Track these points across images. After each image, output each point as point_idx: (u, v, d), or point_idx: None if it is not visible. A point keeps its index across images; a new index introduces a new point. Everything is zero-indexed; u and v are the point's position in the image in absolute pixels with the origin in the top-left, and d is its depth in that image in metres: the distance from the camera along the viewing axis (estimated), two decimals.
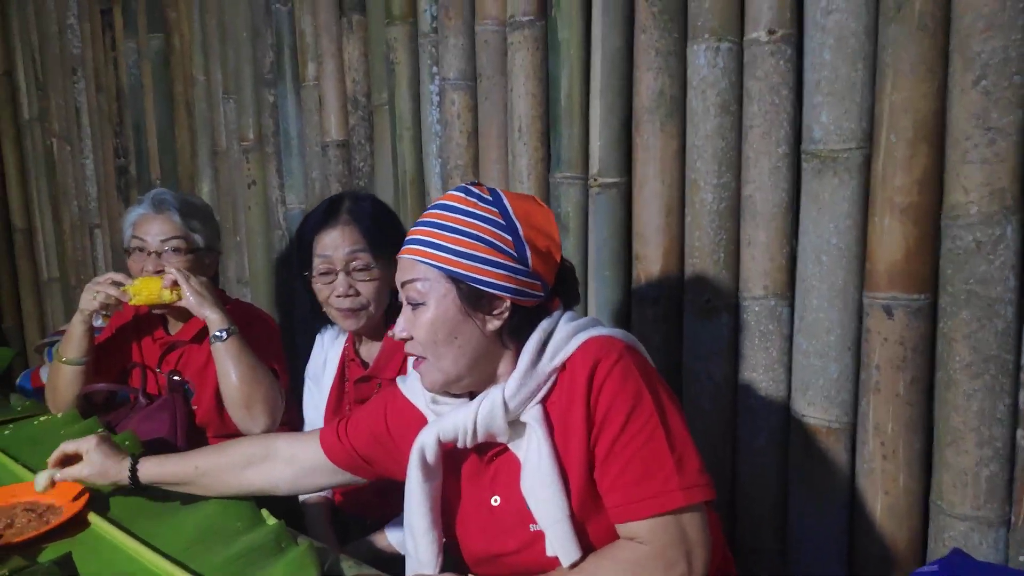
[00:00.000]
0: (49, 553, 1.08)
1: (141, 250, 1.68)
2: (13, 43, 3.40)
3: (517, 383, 1.00)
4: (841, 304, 1.35)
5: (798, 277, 1.40)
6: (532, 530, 1.01)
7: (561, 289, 1.10)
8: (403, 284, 1.03)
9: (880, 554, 1.36)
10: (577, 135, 1.65)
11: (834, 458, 1.39)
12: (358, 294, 1.46)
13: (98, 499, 1.26)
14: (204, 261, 1.73)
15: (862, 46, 1.29)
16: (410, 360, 1.11)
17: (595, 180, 1.62)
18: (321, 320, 1.59)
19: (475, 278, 0.99)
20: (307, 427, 1.65)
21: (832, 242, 1.34)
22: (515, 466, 1.02)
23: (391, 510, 1.48)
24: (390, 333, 1.19)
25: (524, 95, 1.71)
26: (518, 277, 1.00)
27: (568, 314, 1.07)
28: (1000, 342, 1.21)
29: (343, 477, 1.21)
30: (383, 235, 1.47)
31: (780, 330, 1.42)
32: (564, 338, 1.02)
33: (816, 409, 1.38)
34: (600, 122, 1.59)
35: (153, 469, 1.24)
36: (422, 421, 1.10)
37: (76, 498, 1.25)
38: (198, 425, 1.71)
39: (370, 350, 1.54)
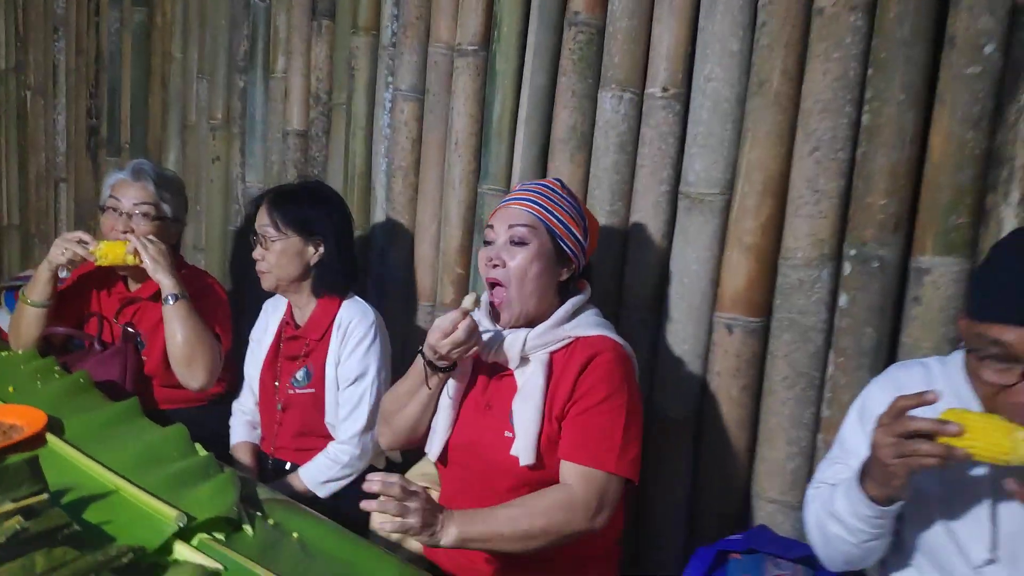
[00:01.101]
0: (13, 460, 1.30)
1: (115, 210, 1.89)
2: None
3: (541, 331, 1.34)
4: (695, 320, 1.63)
5: (668, 295, 1.68)
6: (506, 436, 1.32)
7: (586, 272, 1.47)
8: (512, 225, 1.35)
9: (711, 523, 1.66)
10: (504, 154, 1.91)
11: (681, 445, 1.67)
12: (263, 259, 1.71)
13: (54, 423, 1.47)
14: (170, 229, 1.95)
15: (732, 111, 1.57)
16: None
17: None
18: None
19: (564, 240, 1.36)
20: (246, 381, 1.88)
21: (693, 268, 1.63)
22: (511, 388, 1.35)
23: (307, 456, 1.74)
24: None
25: (463, 113, 1.96)
26: (582, 251, 1.40)
27: (596, 309, 1.43)
28: (811, 362, 1.51)
29: None
30: (297, 217, 1.71)
31: (648, 337, 1.70)
32: (589, 323, 1.37)
33: (670, 405, 1.67)
34: (523, 145, 1.86)
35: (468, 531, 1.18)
36: None
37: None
38: (146, 374, 1.93)
39: (302, 314, 1.79)
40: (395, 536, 1.43)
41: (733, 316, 1.58)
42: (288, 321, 1.80)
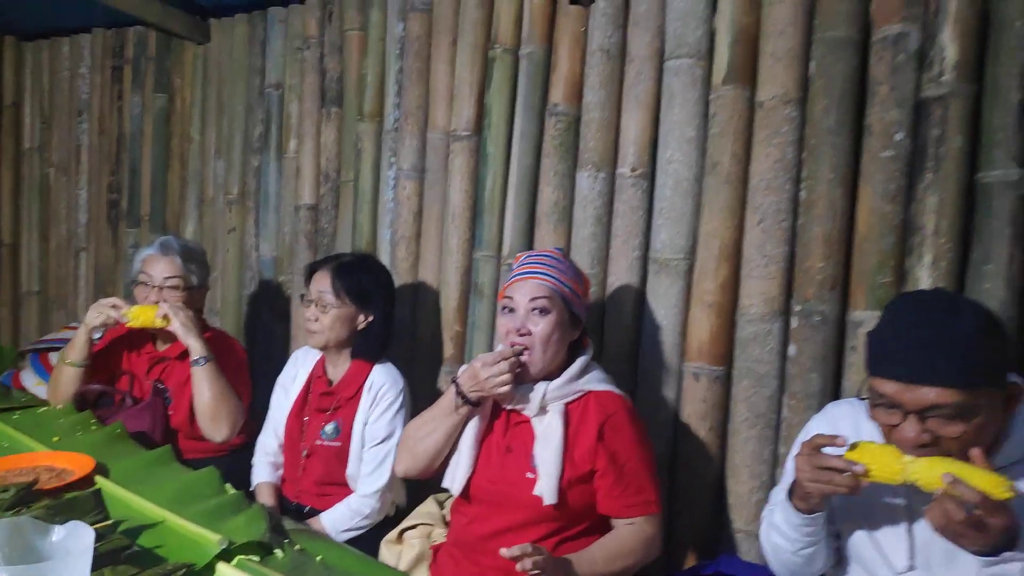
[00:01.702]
0: (78, 494, 1.48)
1: (146, 284, 2.11)
2: (24, 80, 3.80)
3: (559, 384, 1.54)
4: (667, 369, 1.85)
5: (642, 347, 1.90)
6: (527, 476, 1.52)
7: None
8: (534, 297, 1.55)
9: (684, 552, 1.84)
10: (495, 225, 2.16)
11: (661, 482, 1.86)
12: (317, 321, 1.92)
13: (100, 467, 1.66)
14: (195, 296, 2.17)
15: (691, 188, 1.83)
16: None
17: (506, 260, 2.11)
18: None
19: (574, 305, 1.58)
20: (269, 424, 2.07)
21: (663, 324, 1.85)
22: (529, 434, 1.55)
23: (326, 502, 1.91)
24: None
25: (459, 190, 2.22)
26: (585, 312, 1.62)
27: (598, 365, 1.64)
28: (767, 405, 1.73)
29: None
30: (355, 288, 1.93)
31: (625, 385, 1.91)
32: (598, 378, 1.59)
33: (656, 440, 1.87)
34: (512, 217, 2.11)
35: None
36: None
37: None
38: (172, 427, 2.12)
39: (336, 372, 1.99)
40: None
41: (699, 365, 1.80)
42: (320, 376, 2.00)
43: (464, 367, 1.60)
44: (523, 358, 1.53)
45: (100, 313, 2.06)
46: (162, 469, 1.72)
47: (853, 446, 1.14)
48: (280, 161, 2.74)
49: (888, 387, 1.12)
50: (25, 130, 3.82)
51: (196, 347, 2.00)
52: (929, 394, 1.08)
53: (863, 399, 1.21)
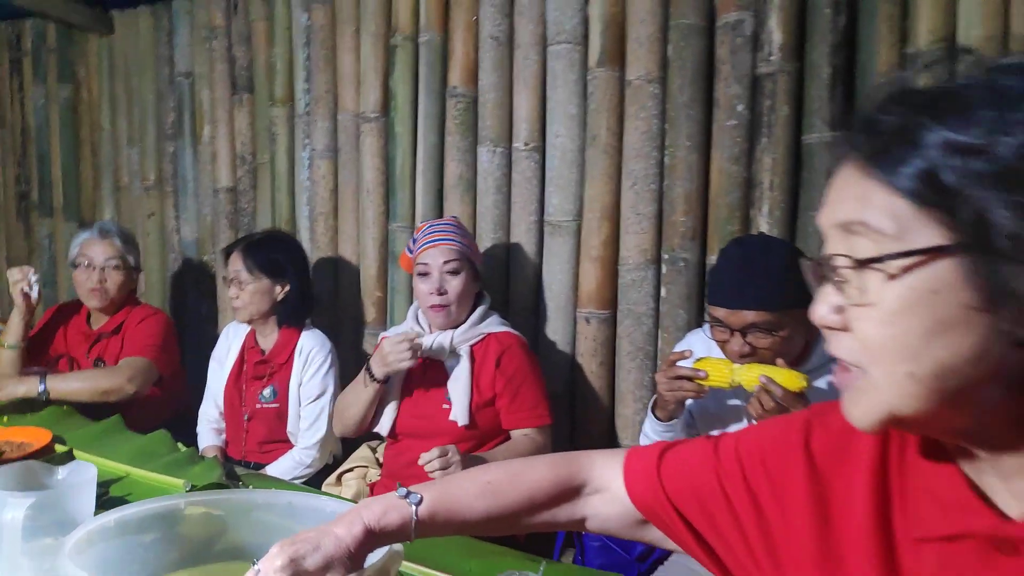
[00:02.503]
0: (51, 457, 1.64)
1: (88, 266, 2.25)
2: None
3: (464, 330, 1.85)
4: (563, 316, 2.15)
5: (542, 299, 2.19)
6: (443, 407, 1.79)
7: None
8: (446, 261, 1.81)
9: None
10: (407, 198, 2.38)
11: (560, 413, 2.17)
12: (238, 298, 2.11)
13: (56, 438, 1.82)
14: (132, 276, 2.33)
15: (575, 158, 2.11)
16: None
17: (417, 229, 2.35)
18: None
19: (475, 262, 1.87)
20: (209, 395, 2.25)
21: (558, 277, 2.14)
22: (443, 373, 1.84)
23: (270, 458, 2.12)
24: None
25: (371, 167, 2.43)
26: (480, 268, 1.92)
27: (495, 311, 1.93)
28: (645, 339, 2.05)
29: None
30: (266, 262, 2.12)
31: (529, 333, 2.19)
32: (495, 322, 1.90)
33: (549, 383, 2.16)
34: (422, 191, 2.34)
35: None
36: None
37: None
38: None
39: (267, 341, 2.18)
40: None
41: (589, 311, 2.10)
42: (253, 346, 2.19)
43: (375, 350, 1.83)
44: (417, 341, 1.77)
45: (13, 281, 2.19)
46: (115, 435, 1.89)
47: (698, 360, 1.46)
48: (195, 147, 2.86)
49: (719, 312, 1.44)
50: None
51: (21, 391, 2.07)
52: (748, 316, 1.41)
53: (706, 322, 1.53)
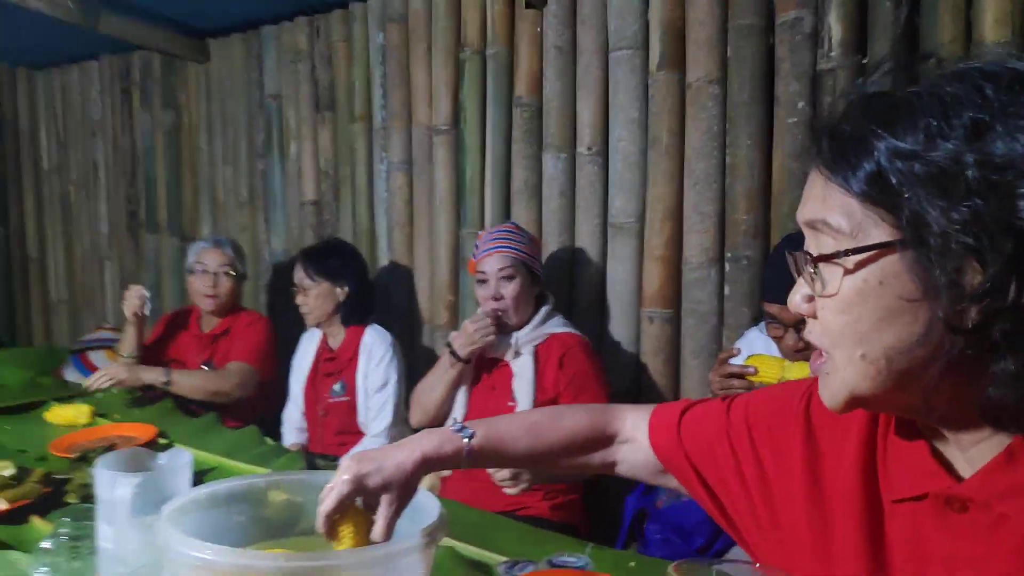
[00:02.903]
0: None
1: (203, 271, 2.50)
2: (38, 106, 4.12)
3: (528, 331, 1.95)
4: (627, 315, 2.19)
5: (607, 299, 2.24)
6: (508, 405, 1.87)
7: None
8: (500, 268, 1.92)
9: None
10: (477, 205, 2.49)
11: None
12: (304, 304, 2.27)
13: (160, 433, 2.00)
14: (239, 283, 2.59)
15: (637, 161, 2.16)
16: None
17: (479, 236, 2.44)
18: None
19: (532, 267, 1.96)
20: (290, 399, 2.42)
21: (622, 277, 2.19)
22: (508, 374, 1.92)
23: (346, 451, 2.26)
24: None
25: (443, 178, 2.55)
26: (541, 268, 2.01)
27: (559, 313, 2.02)
28: (709, 337, 2.07)
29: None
30: (324, 268, 2.29)
31: (594, 331, 2.24)
32: (558, 323, 1.99)
33: (614, 381, 2.20)
34: (490, 198, 2.44)
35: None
36: None
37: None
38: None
39: (335, 341, 2.34)
40: None
41: (653, 310, 2.14)
42: (324, 348, 2.35)
43: (455, 332, 1.95)
44: (499, 314, 1.88)
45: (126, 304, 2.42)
46: (211, 430, 2.06)
47: (750, 358, 1.48)
48: (283, 163, 3.06)
49: (772, 308, 1.46)
50: (43, 152, 4.14)
51: (148, 378, 2.33)
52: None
53: (763, 320, 1.55)
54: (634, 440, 0.93)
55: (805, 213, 0.64)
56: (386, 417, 2.22)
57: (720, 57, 2.02)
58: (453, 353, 1.93)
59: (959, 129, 0.54)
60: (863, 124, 0.58)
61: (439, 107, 2.55)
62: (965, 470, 0.64)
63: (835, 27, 1.87)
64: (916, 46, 1.83)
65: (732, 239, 2.02)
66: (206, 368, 2.47)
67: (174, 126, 3.48)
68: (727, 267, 2.04)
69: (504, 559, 1.17)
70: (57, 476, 1.60)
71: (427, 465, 0.86)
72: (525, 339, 1.91)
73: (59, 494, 1.54)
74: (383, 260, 2.75)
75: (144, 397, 2.40)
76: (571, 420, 0.95)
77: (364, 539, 0.81)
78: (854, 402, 0.63)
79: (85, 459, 1.70)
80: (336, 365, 2.31)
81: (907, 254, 0.57)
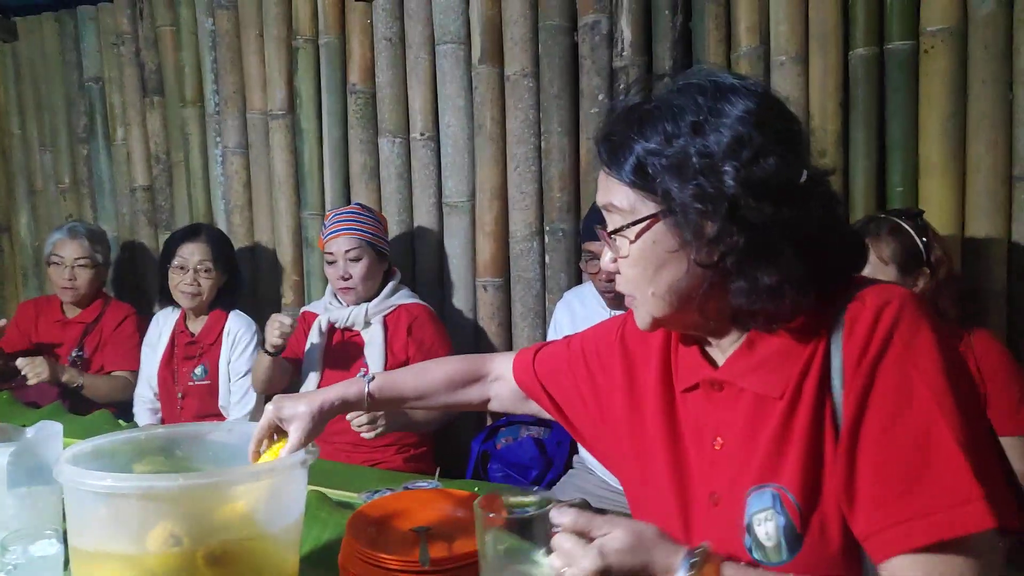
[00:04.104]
0: None
1: (59, 264, 2.48)
2: None
3: (377, 303, 2.12)
4: (465, 285, 2.43)
5: (445, 271, 2.46)
6: (360, 372, 2.00)
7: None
8: (347, 250, 2.06)
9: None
10: (316, 188, 2.61)
11: None
12: (195, 284, 2.32)
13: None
14: (101, 272, 2.58)
15: (466, 145, 2.38)
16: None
17: (325, 217, 2.58)
18: (165, 300, 2.42)
19: (378, 246, 2.11)
20: (142, 379, 2.43)
21: (458, 251, 2.42)
22: (360, 342, 2.09)
23: None
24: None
25: (281, 161, 2.64)
26: (387, 245, 2.18)
27: (405, 286, 2.22)
28: (535, 301, 2.35)
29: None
30: (219, 255, 2.36)
31: (435, 302, 2.46)
32: (405, 295, 2.17)
33: (457, 341, 2.44)
34: (330, 181, 2.57)
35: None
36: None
37: None
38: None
39: (196, 325, 2.39)
40: None
41: (486, 279, 2.40)
42: (182, 330, 2.39)
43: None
44: (286, 327, 2.00)
45: None
46: (59, 417, 2.07)
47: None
48: (110, 148, 2.99)
49: (591, 246, 1.78)
50: None
51: (68, 378, 2.36)
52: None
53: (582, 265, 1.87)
54: (503, 377, 1.18)
55: (599, 199, 0.88)
56: (249, 402, 2.30)
57: (533, 53, 2.29)
58: (260, 344, 2.09)
59: (684, 129, 0.78)
60: (623, 132, 0.82)
61: (274, 93, 2.63)
62: (722, 361, 0.90)
63: (626, 30, 2.19)
64: (690, 47, 2.19)
65: (550, 214, 2.31)
66: (76, 362, 2.50)
67: None
68: (547, 239, 2.33)
69: (366, 491, 1.37)
70: None
71: (335, 407, 1.08)
72: (375, 310, 2.10)
73: None
74: None
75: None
76: (451, 364, 1.20)
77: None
78: (656, 324, 0.88)
79: None
80: (196, 349, 2.36)
81: (667, 221, 0.80)
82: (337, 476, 1.59)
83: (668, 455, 0.92)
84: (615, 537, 0.74)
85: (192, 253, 2.33)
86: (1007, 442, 1.64)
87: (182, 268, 2.32)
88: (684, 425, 0.92)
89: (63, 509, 1.30)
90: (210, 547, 0.90)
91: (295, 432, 1.02)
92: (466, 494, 1.29)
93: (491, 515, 0.80)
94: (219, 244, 2.39)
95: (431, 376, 1.17)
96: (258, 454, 1.05)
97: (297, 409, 1.04)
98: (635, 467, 0.98)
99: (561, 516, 0.75)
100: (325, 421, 1.07)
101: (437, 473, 1.36)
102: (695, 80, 0.82)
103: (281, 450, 1.03)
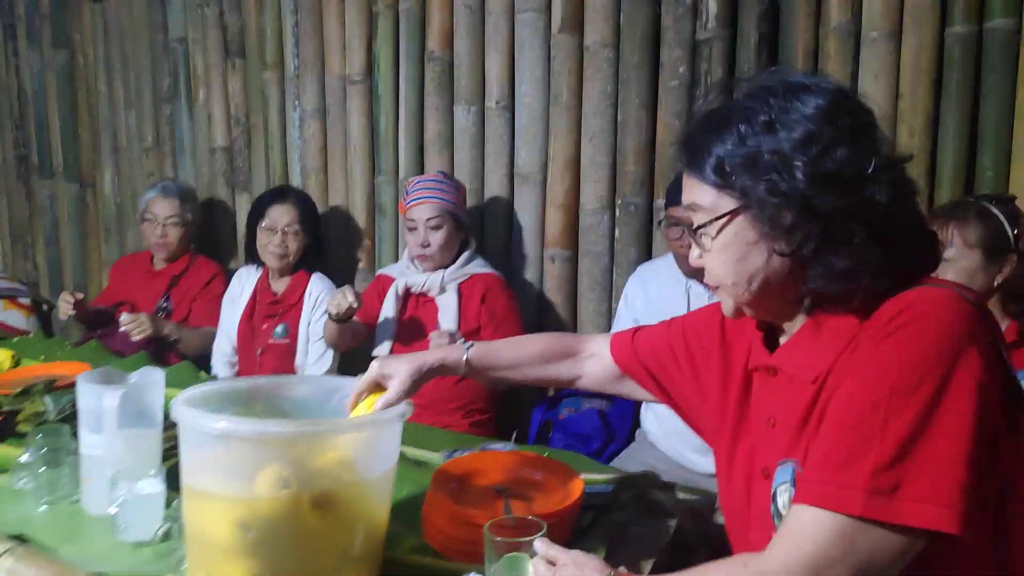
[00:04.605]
0: None
1: (152, 221, 2.64)
2: None
3: (452, 271, 2.17)
4: (533, 256, 2.45)
5: (513, 241, 2.49)
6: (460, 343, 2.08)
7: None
8: (428, 219, 2.13)
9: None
10: (391, 154, 2.65)
11: None
12: (283, 245, 2.41)
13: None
14: (191, 230, 2.73)
15: (541, 115, 2.39)
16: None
17: (403, 182, 2.62)
18: (252, 259, 2.51)
19: (459, 215, 2.18)
20: (222, 332, 2.54)
21: (527, 221, 2.44)
22: (434, 309, 2.15)
23: None
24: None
25: (357, 126, 2.69)
26: (466, 218, 2.24)
27: (479, 255, 2.27)
28: (603, 275, 2.36)
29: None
30: (306, 216, 2.45)
31: (503, 270, 2.48)
32: (479, 264, 2.23)
33: (524, 311, 2.46)
34: (404, 147, 2.61)
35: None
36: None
37: None
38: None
39: (278, 284, 2.48)
40: None
41: (554, 250, 2.41)
42: (265, 288, 2.48)
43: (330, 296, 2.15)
44: (345, 305, 2.03)
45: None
46: (143, 365, 2.18)
47: None
48: (191, 109, 3.08)
49: (675, 212, 1.78)
50: None
51: (169, 331, 2.49)
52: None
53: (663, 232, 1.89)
54: (598, 355, 1.23)
55: (684, 199, 0.93)
56: (325, 364, 2.38)
57: (614, 24, 2.27)
58: (327, 312, 2.13)
59: (757, 129, 0.84)
60: (702, 135, 0.89)
61: (352, 58, 2.67)
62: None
63: (711, 2, 2.15)
64: (778, 21, 2.14)
65: (622, 188, 2.30)
66: (160, 312, 2.64)
67: (68, 67, 3.38)
68: (618, 212, 2.32)
69: (444, 450, 1.42)
70: (3, 410, 1.70)
71: (433, 369, 1.14)
72: (450, 277, 2.14)
73: (10, 425, 1.65)
74: None
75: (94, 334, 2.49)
76: (546, 339, 1.27)
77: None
78: (738, 311, 0.94)
79: (27, 393, 1.79)
80: (278, 308, 2.45)
81: (746, 215, 0.86)
82: (410, 435, 1.65)
83: (735, 432, 1.00)
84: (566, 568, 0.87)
85: (281, 215, 2.40)
86: None
87: (271, 230, 2.40)
88: (753, 405, 0.99)
89: (162, 451, 1.40)
90: (314, 491, 0.95)
91: (394, 389, 1.09)
92: (542, 457, 1.33)
93: (497, 539, 0.91)
94: (306, 207, 2.45)
95: (526, 349, 1.23)
96: (355, 406, 1.11)
97: (399, 368, 1.10)
98: (721, 442, 1.04)
99: (540, 546, 0.90)
100: (423, 382, 1.12)
101: (514, 436, 1.39)
102: (768, 83, 0.88)
103: (376, 402, 1.08)
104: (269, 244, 2.40)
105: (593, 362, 1.24)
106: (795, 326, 0.93)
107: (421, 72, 2.57)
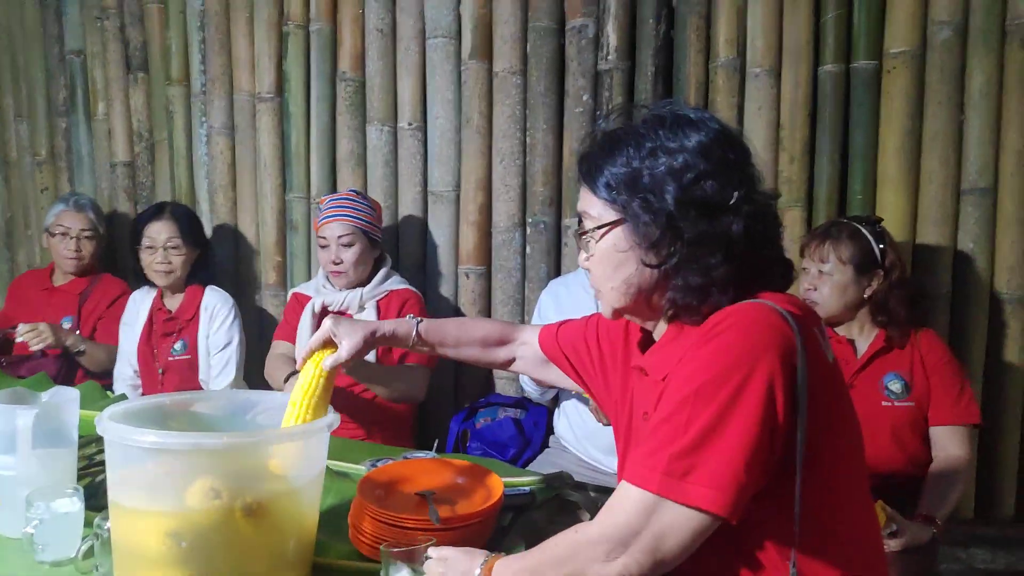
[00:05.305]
0: None
1: (64, 235, 2.54)
2: None
3: (370, 288, 2.19)
4: (448, 272, 2.52)
5: (428, 258, 2.55)
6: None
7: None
8: (340, 236, 2.13)
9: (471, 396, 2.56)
10: (303, 171, 2.66)
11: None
12: (168, 263, 2.36)
13: None
14: (101, 243, 2.66)
15: (453, 137, 2.47)
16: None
17: (315, 199, 2.64)
18: (140, 281, 2.45)
19: (371, 233, 2.17)
20: (121, 357, 2.46)
21: (441, 240, 2.51)
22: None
23: None
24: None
25: (267, 144, 2.68)
26: (380, 233, 2.24)
27: (396, 272, 2.29)
28: (515, 289, 2.46)
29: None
30: (187, 230, 2.40)
31: (419, 287, 2.54)
32: (396, 281, 2.24)
33: None
34: (316, 165, 2.63)
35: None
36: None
37: None
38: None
39: (173, 302, 2.43)
40: None
41: (468, 266, 2.49)
42: (160, 308, 2.43)
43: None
44: (337, 280, 2.12)
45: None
46: (44, 387, 2.10)
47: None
48: (90, 123, 2.98)
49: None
50: None
51: (71, 343, 2.41)
52: None
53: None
54: (529, 343, 1.37)
55: (579, 207, 1.06)
56: (229, 374, 2.36)
57: (521, 52, 2.39)
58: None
59: (644, 153, 0.96)
60: (597, 154, 1.01)
61: (262, 76, 2.67)
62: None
63: (611, 35, 2.30)
64: (672, 55, 2.31)
65: (532, 207, 2.41)
66: (68, 326, 2.53)
67: None
68: (528, 230, 2.43)
69: (368, 460, 1.46)
70: None
71: (385, 337, 1.26)
72: (369, 295, 2.17)
73: None
74: (205, 222, 2.82)
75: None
76: (489, 324, 1.42)
77: (319, 370, 1.19)
78: (616, 313, 1.07)
79: None
80: (175, 325, 2.40)
81: (624, 227, 0.98)
82: (333, 449, 1.68)
83: (628, 424, 1.14)
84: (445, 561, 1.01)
85: (159, 232, 2.36)
86: (948, 430, 1.82)
87: (151, 248, 2.36)
88: (634, 400, 1.13)
89: (78, 470, 1.38)
90: (246, 500, 0.98)
91: (345, 348, 1.20)
92: (463, 463, 1.40)
93: (393, 550, 1.03)
94: (185, 220, 2.42)
95: (470, 330, 1.36)
96: (305, 361, 1.21)
97: (353, 328, 1.22)
98: (619, 432, 1.18)
99: (434, 551, 1.03)
100: (372, 347, 1.25)
101: (435, 445, 1.45)
102: (661, 113, 1.00)
103: (324, 360, 1.18)
104: (152, 262, 2.36)
105: (524, 348, 1.37)
106: (661, 331, 1.06)
107: (333, 91, 2.60)
